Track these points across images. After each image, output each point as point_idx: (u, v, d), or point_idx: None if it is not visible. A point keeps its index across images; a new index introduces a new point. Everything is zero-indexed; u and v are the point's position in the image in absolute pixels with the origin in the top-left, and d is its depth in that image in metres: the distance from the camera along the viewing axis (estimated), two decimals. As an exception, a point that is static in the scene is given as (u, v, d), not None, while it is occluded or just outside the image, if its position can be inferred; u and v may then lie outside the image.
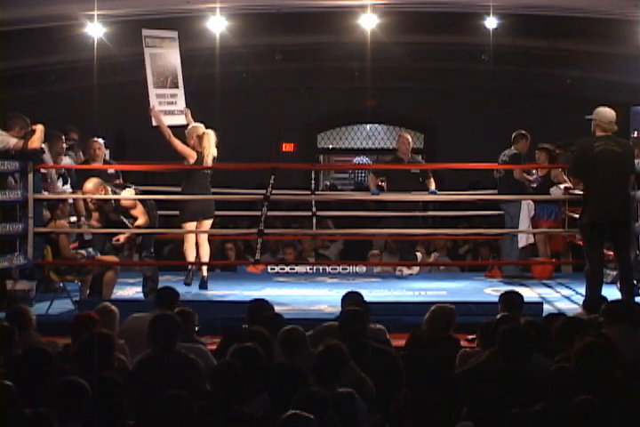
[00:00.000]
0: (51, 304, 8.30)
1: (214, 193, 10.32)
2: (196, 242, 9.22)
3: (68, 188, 9.89)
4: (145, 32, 9.30)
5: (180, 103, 9.59)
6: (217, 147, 9.25)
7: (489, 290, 9.41)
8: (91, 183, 8.80)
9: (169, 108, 9.45)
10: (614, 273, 8.61)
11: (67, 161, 9.93)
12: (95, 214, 8.93)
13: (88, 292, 8.76)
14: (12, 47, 11.08)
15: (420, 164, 10.85)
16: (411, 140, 10.63)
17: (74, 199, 9.44)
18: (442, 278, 10.45)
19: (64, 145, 9.69)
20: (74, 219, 9.70)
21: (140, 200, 8.91)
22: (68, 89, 14.05)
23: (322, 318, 6.58)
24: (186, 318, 6.03)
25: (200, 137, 9.15)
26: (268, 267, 10.78)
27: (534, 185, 10.15)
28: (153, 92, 9.25)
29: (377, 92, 15.39)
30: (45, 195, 9.13)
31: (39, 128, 8.68)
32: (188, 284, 9.22)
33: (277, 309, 6.59)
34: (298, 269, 10.73)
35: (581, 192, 8.71)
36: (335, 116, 17.74)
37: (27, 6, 9.67)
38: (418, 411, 5.87)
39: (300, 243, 11.76)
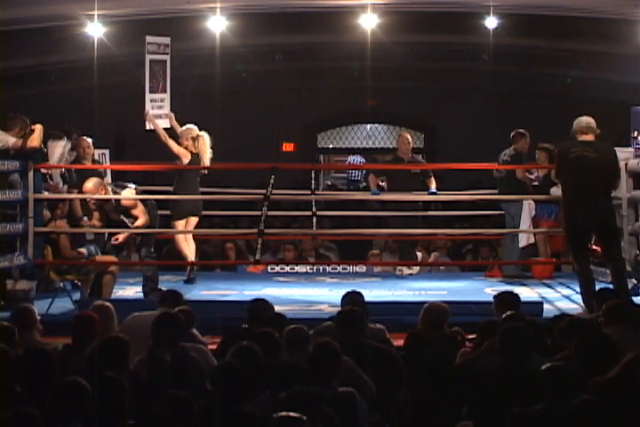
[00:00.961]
0: (51, 304, 8.30)
1: (214, 193, 10.36)
2: None
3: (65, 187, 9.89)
4: (149, 39, 9.61)
5: (167, 107, 9.83)
6: (211, 148, 9.44)
7: (489, 290, 9.40)
8: (91, 183, 8.80)
9: (158, 111, 9.69)
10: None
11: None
12: (96, 214, 8.94)
13: (88, 292, 8.76)
14: (12, 47, 11.08)
15: (421, 163, 10.84)
16: (410, 139, 10.63)
17: (71, 200, 9.43)
18: (442, 278, 10.45)
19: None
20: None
21: (141, 200, 8.92)
22: (68, 89, 14.05)
23: (322, 318, 6.57)
24: (186, 318, 6.04)
25: (195, 139, 9.38)
26: (268, 267, 10.77)
27: (535, 183, 10.16)
28: (148, 97, 9.53)
29: (377, 91, 15.38)
30: (45, 195, 9.12)
31: (38, 128, 8.69)
32: (190, 281, 9.50)
33: (277, 309, 6.59)
34: (298, 268, 10.73)
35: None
36: (335, 115, 17.74)
37: (27, 6, 9.67)
38: (418, 411, 5.87)
39: (301, 243, 11.75)
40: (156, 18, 10.53)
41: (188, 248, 9.55)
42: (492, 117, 15.84)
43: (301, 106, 16.97)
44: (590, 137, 8.04)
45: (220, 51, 11.18)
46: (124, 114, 16.24)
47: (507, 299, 6.58)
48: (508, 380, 4.84)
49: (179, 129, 9.62)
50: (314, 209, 10.16)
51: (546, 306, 8.22)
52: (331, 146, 18.41)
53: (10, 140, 8.59)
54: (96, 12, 9.60)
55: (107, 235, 9.20)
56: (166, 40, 9.83)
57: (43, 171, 9.18)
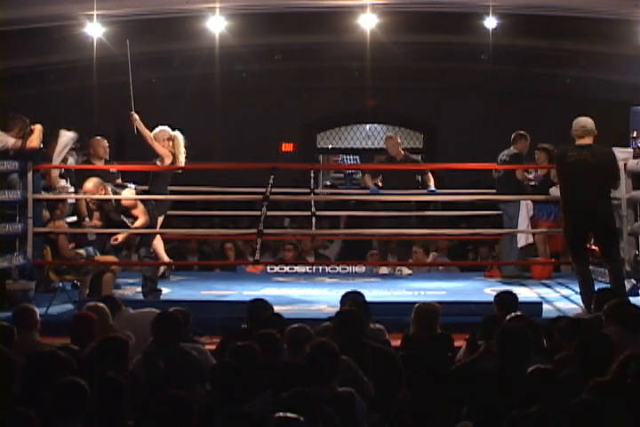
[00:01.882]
0: (50, 304, 8.29)
1: (215, 193, 10.38)
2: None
3: (71, 188, 9.88)
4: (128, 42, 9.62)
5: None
6: (186, 147, 9.52)
7: (488, 290, 9.40)
8: (91, 183, 8.80)
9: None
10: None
11: (70, 161, 9.92)
12: (96, 214, 8.94)
13: (87, 292, 8.76)
14: (12, 47, 11.07)
15: (416, 161, 10.82)
16: (398, 139, 10.66)
17: (76, 200, 9.43)
18: (441, 278, 10.45)
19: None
20: (71, 219, 9.70)
21: (141, 200, 8.92)
22: (68, 89, 14.05)
23: (321, 318, 6.57)
24: (183, 319, 6.04)
25: (170, 140, 9.40)
26: (268, 267, 10.77)
27: (533, 183, 10.15)
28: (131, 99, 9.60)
29: (377, 92, 15.39)
30: (45, 195, 9.12)
31: (38, 128, 8.69)
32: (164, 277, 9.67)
33: (277, 309, 6.60)
34: (297, 269, 10.72)
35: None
36: (335, 116, 17.74)
37: (27, 6, 9.67)
38: (417, 411, 5.87)
39: (300, 243, 11.75)
40: (156, 18, 10.53)
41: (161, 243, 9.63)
42: (491, 117, 15.84)
43: (301, 106, 16.97)
44: (587, 140, 8.05)
45: (220, 51, 11.18)
46: (123, 114, 16.27)
47: (507, 299, 6.59)
48: (507, 380, 4.84)
49: (144, 130, 9.56)
50: (313, 209, 10.17)
51: (545, 306, 8.23)
52: (330, 146, 18.41)
53: (9, 140, 8.59)
54: (95, 12, 9.61)
55: (107, 235, 9.20)
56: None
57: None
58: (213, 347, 6.25)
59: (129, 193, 8.85)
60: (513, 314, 5.86)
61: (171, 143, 9.43)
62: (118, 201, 8.79)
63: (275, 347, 5.29)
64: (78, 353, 5.26)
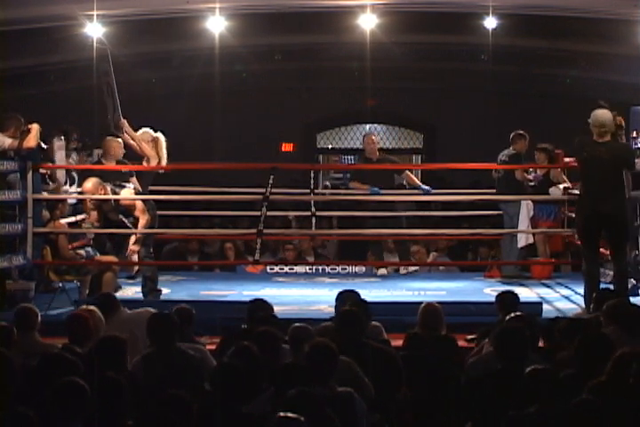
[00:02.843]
0: (50, 304, 8.30)
1: (215, 193, 10.38)
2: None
3: (71, 188, 9.88)
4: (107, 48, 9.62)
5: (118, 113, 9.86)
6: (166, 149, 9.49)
7: (488, 290, 9.40)
8: (90, 183, 8.80)
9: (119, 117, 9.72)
10: (612, 273, 8.62)
11: (70, 162, 9.92)
12: (94, 214, 8.93)
13: (87, 292, 8.76)
14: (12, 47, 11.08)
15: (394, 162, 10.82)
16: (375, 139, 10.71)
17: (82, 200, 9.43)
18: (441, 278, 10.45)
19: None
20: (72, 219, 9.70)
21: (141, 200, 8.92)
22: (68, 89, 14.06)
23: (321, 318, 6.58)
24: (185, 318, 6.04)
25: (154, 141, 9.38)
26: (268, 267, 10.77)
27: (532, 183, 10.15)
28: (117, 101, 9.62)
29: (377, 92, 15.40)
30: (44, 195, 9.12)
31: (35, 127, 8.67)
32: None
33: (277, 309, 6.60)
34: (297, 269, 10.72)
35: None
36: (335, 116, 17.74)
37: (27, 6, 9.68)
38: (417, 411, 5.87)
39: (299, 243, 11.76)
40: (156, 18, 10.54)
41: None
42: (491, 118, 15.84)
43: (301, 106, 16.97)
44: (604, 138, 7.95)
45: (220, 51, 11.19)
46: (123, 114, 16.28)
47: (508, 299, 6.60)
48: (506, 380, 4.83)
49: (133, 133, 9.58)
50: (313, 209, 10.17)
51: (545, 306, 8.23)
52: (330, 146, 18.41)
53: (6, 141, 8.58)
54: (95, 13, 9.61)
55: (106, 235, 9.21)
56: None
57: (42, 171, 9.18)
58: (213, 347, 6.25)
59: (128, 193, 8.85)
60: (512, 314, 5.85)
61: (154, 145, 9.41)
62: (117, 201, 8.79)
63: (273, 346, 5.29)
64: (76, 353, 5.25)
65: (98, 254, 9.00)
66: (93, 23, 10.01)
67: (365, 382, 5.21)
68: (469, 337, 6.91)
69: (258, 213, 9.23)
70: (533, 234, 10.17)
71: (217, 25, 10.22)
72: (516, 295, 6.68)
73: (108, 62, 9.40)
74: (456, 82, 16.01)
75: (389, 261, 11.11)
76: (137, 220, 8.78)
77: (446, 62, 14.66)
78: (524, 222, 10.07)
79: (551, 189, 10.06)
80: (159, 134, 9.49)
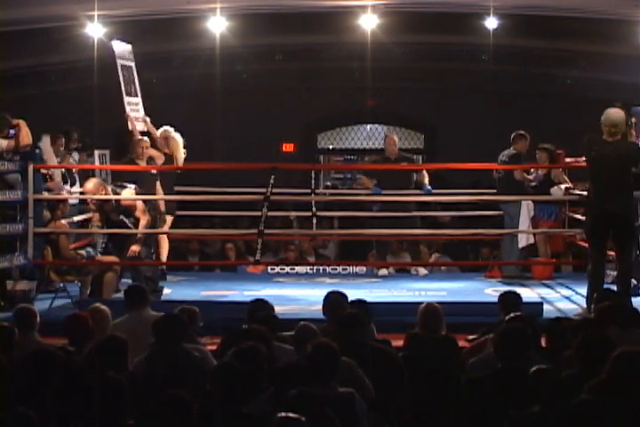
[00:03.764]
0: (51, 304, 8.30)
1: (215, 193, 10.38)
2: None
3: (71, 188, 9.88)
4: (115, 44, 9.76)
5: (141, 111, 10.04)
6: (185, 148, 9.67)
7: (489, 290, 9.40)
8: (91, 183, 8.81)
9: (135, 114, 9.91)
10: (615, 273, 8.62)
11: (71, 162, 9.93)
12: (96, 215, 8.94)
13: (88, 292, 8.76)
14: (13, 47, 11.10)
15: (411, 161, 10.78)
16: (397, 140, 10.67)
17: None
18: (442, 278, 10.44)
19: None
20: (74, 219, 9.71)
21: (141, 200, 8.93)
22: (68, 89, 14.06)
23: (322, 319, 6.57)
24: (190, 318, 6.04)
25: (166, 139, 9.56)
26: (268, 267, 10.77)
27: (534, 184, 10.14)
28: (125, 99, 9.74)
29: (377, 92, 15.40)
30: (45, 195, 9.12)
31: (22, 123, 8.66)
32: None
33: (277, 309, 6.59)
34: (298, 269, 10.72)
35: (582, 192, 8.76)
36: (335, 116, 17.74)
37: (27, 6, 9.69)
38: (417, 411, 5.87)
39: (300, 243, 11.76)
40: (157, 18, 10.55)
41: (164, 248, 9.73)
42: (491, 118, 15.85)
43: (301, 106, 16.97)
44: (614, 137, 7.86)
45: (221, 51, 11.21)
46: (123, 114, 16.28)
47: (511, 299, 6.60)
48: (507, 380, 4.83)
49: (155, 132, 9.75)
50: (314, 209, 10.17)
51: (546, 306, 8.22)
52: (331, 146, 18.42)
53: (2, 142, 8.58)
54: (96, 13, 9.62)
55: (107, 235, 9.21)
56: (129, 47, 9.99)
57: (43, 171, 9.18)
58: (214, 347, 6.25)
59: (129, 193, 8.85)
60: (512, 314, 5.85)
61: (168, 144, 9.47)
62: (118, 201, 8.80)
63: (265, 345, 5.27)
64: (74, 353, 5.26)
65: (99, 255, 9.00)
66: (94, 23, 10.02)
67: (366, 383, 5.21)
68: (470, 337, 6.91)
69: (258, 214, 9.23)
70: (534, 234, 10.17)
71: (218, 25, 10.23)
72: (518, 295, 6.68)
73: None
74: (456, 82, 16.02)
75: (389, 261, 11.12)
76: (138, 220, 8.79)
77: (447, 62, 14.67)
78: (524, 223, 10.07)
79: (552, 190, 10.06)
80: (174, 134, 9.56)
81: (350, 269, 10.65)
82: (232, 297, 9.00)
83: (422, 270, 10.61)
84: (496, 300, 6.79)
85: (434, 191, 10.42)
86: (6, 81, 11.57)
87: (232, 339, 5.72)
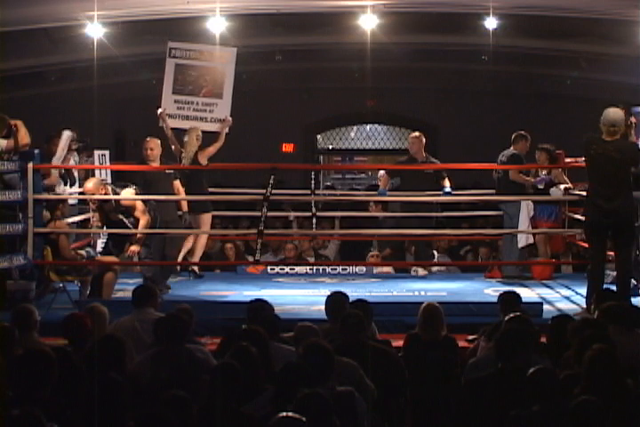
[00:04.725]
0: (51, 305, 8.30)
1: (215, 193, 10.38)
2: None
3: (70, 189, 9.87)
4: (171, 44, 10.01)
5: (218, 112, 10.19)
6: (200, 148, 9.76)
7: (489, 290, 9.40)
8: (91, 183, 8.81)
9: (194, 113, 10.06)
10: (614, 273, 8.61)
11: (71, 162, 9.92)
12: (95, 215, 8.94)
13: (88, 292, 8.76)
14: (13, 47, 11.09)
15: (435, 164, 10.74)
16: (423, 139, 10.61)
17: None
18: (442, 279, 10.43)
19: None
20: (75, 219, 9.71)
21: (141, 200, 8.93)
22: (68, 89, 14.06)
23: (321, 319, 6.57)
24: (189, 318, 6.04)
25: (189, 137, 9.76)
26: (268, 267, 10.77)
27: (541, 186, 10.11)
28: (171, 97, 9.95)
29: (377, 92, 15.41)
30: (45, 195, 9.12)
31: (19, 123, 8.66)
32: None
33: (277, 309, 6.59)
34: (298, 269, 10.71)
35: (581, 193, 8.74)
36: (335, 116, 17.74)
37: (27, 6, 9.68)
38: (418, 411, 5.87)
39: (300, 243, 11.76)
40: (157, 18, 10.54)
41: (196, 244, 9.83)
42: (491, 118, 15.86)
43: (301, 106, 16.98)
44: (614, 137, 7.85)
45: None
46: (123, 114, 16.29)
47: (511, 299, 6.60)
48: (506, 380, 4.83)
49: (222, 135, 10.06)
50: (314, 210, 10.17)
51: (545, 307, 8.22)
52: (331, 146, 18.42)
53: (1, 142, 8.57)
54: (96, 13, 9.61)
55: (107, 236, 9.21)
56: (227, 49, 10.18)
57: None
58: (214, 347, 6.25)
59: (129, 193, 8.85)
60: (512, 314, 5.85)
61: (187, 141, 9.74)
62: (118, 201, 8.80)
63: (261, 345, 5.26)
64: (71, 353, 5.25)
65: (99, 255, 8.99)
66: (94, 24, 10.01)
67: (368, 385, 5.21)
68: (470, 337, 6.91)
69: (258, 214, 9.24)
70: (534, 234, 10.16)
71: (218, 25, 10.22)
72: (518, 296, 6.69)
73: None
74: (456, 82, 16.02)
75: (389, 261, 11.13)
76: (137, 220, 8.79)
77: (447, 62, 14.67)
78: (524, 223, 10.07)
79: (552, 190, 10.05)
80: (187, 134, 9.71)
81: (350, 269, 10.65)
82: (232, 297, 9.00)
83: (421, 271, 10.60)
84: (496, 300, 6.80)
85: (432, 192, 10.39)
86: (6, 81, 11.56)
87: (232, 339, 5.72)
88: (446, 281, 10.19)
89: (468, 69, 14.91)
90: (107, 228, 8.99)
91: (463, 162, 10.35)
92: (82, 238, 9.94)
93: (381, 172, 11.06)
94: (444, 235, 11.16)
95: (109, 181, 9.91)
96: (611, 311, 5.94)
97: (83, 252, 8.97)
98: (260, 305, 6.41)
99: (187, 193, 9.48)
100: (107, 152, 10.95)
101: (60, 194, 9.48)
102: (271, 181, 9.09)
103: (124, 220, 8.80)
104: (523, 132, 10.34)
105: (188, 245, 9.79)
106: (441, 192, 10.16)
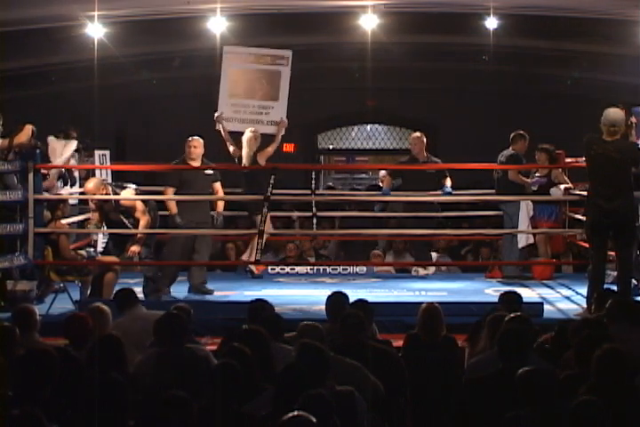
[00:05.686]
0: (51, 305, 8.30)
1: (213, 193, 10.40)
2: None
3: (71, 189, 9.87)
4: (226, 48, 10.10)
5: (274, 115, 10.29)
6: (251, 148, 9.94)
7: (489, 290, 9.41)
8: (91, 183, 8.81)
9: (250, 116, 10.20)
10: (615, 273, 8.62)
11: (72, 162, 9.93)
12: (96, 214, 8.94)
13: (89, 292, 8.76)
14: (13, 47, 11.09)
15: (437, 164, 10.74)
16: (424, 139, 10.62)
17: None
18: (442, 279, 10.44)
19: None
20: (75, 219, 9.71)
21: (142, 200, 8.93)
22: (69, 89, 14.06)
23: (322, 319, 6.57)
24: (187, 317, 6.04)
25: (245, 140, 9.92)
26: (269, 267, 10.78)
27: (534, 188, 10.12)
28: (227, 101, 10.04)
29: (377, 92, 15.38)
30: (45, 195, 9.12)
31: (27, 127, 8.67)
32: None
33: (277, 309, 6.60)
34: (298, 269, 10.72)
35: (581, 193, 8.73)
36: (335, 116, 17.73)
37: (27, 7, 9.68)
38: (418, 411, 5.87)
39: (301, 243, 11.76)
40: (157, 18, 10.54)
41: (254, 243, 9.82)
42: (491, 117, 15.84)
43: (301, 106, 16.92)
44: (614, 137, 7.85)
45: (221, 51, 11.18)
46: (124, 114, 16.28)
47: (512, 299, 6.60)
48: (506, 381, 4.83)
49: (279, 137, 10.22)
50: (314, 210, 10.18)
51: (546, 307, 8.22)
52: (331, 146, 18.41)
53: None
54: (96, 13, 9.61)
55: (107, 236, 9.21)
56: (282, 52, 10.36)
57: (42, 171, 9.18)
58: (214, 347, 6.25)
59: (129, 193, 8.86)
60: (512, 315, 5.85)
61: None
62: (118, 201, 8.80)
63: (261, 345, 5.26)
64: (71, 353, 5.25)
65: (98, 255, 8.99)
66: (94, 24, 10.01)
67: (374, 383, 5.20)
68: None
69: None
70: (534, 234, 10.16)
71: (218, 25, 10.23)
72: (519, 295, 6.69)
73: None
74: (456, 82, 16.00)
75: (389, 261, 11.13)
76: (137, 221, 8.79)
77: (447, 62, 14.66)
78: (523, 222, 10.07)
79: (552, 190, 10.06)
80: (245, 135, 9.86)
81: (350, 269, 10.66)
82: (232, 297, 9.01)
83: (422, 270, 10.60)
84: (496, 300, 6.80)
85: (432, 192, 10.39)
86: (6, 81, 11.56)
87: (232, 339, 5.72)
88: (447, 281, 10.20)
89: (468, 69, 14.90)
90: (107, 228, 9.00)
91: (463, 162, 10.35)
92: (82, 238, 9.95)
93: (382, 172, 11.07)
94: (444, 235, 11.16)
95: (110, 180, 9.91)
96: (615, 308, 5.93)
97: (83, 252, 8.98)
98: (261, 305, 6.41)
99: (246, 194, 9.58)
100: (107, 152, 10.96)
101: (60, 194, 9.48)
102: (271, 181, 9.10)
103: (125, 220, 8.80)
104: (521, 131, 10.34)
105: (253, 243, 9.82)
106: (441, 192, 10.17)
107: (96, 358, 4.91)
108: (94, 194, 8.76)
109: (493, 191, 10.36)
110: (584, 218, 8.44)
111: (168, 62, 13.89)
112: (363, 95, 15.80)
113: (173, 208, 9.21)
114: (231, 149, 9.96)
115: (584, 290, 8.24)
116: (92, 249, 9.10)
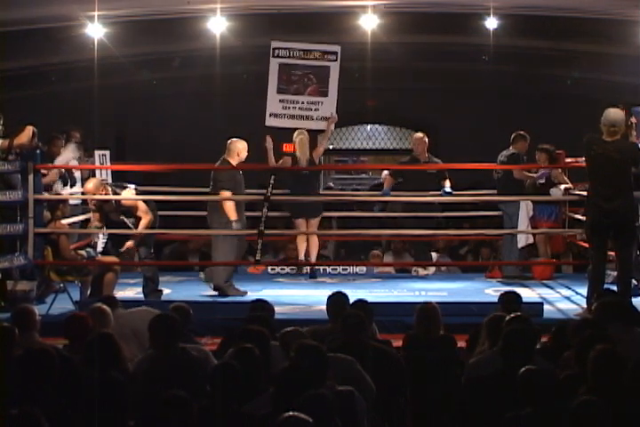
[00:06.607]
0: (51, 305, 8.30)
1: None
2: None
3: (71, 189, 9.87)
4: (274, 44, 10.15)
5: (324, 110, 10.34)
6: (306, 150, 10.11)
7: (489, 290, 9.41)
8: (91, 183, 8.82)
9: (300, 113, 10.22)
10: (615, 273, 8.62)
11: (72, 162, 9.93)
12: (96, 215, 8.95)
13: (89, 292, 8.76)
14: (13, 48, 11.08)
15: (437, 164, 10.74)
16: (426, 139, 10.63)
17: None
18: (442, 279, 10.44)
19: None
20: (75, 219, 9.71)
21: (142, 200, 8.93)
22: (69, 89, 14.06)
23: (322, 319, 6.57)
24: (182, 316, 6.02)
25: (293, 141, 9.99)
26: (269, 267, 10.78)
27: (542, 181, 10.13)
28: (275, 97, 10.14)
29: (377, 92, 15.38)
30: (45, 195, 9.12)
31: (28, 128, 8.68)
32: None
33: (277, 309, 6.60)
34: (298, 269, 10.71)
35: (581, 193, 8.72)
36: (335, 116, 17.71)
37: (27, 7, 9.68)
38: (418, 411, 5.87)
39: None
40: (157, 18, 10.55)
41: (309, 245, 9.96)
42: (492, 118, 15.84)
43: (302, 106, 16.92)
44: (614, 137, 7.85)
45: (221, 51, 11.19)
46: (124, 114, 16.29)
47: (512, 299, 6.60)
48: (507, 381, 4.83)
49: (328, 133, 10.22)
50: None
51: (546, 307, 8.22)
52: (331, 146, 18.41)
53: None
54: (96, 13, 9.61)
55: (107, 236, 9.21)
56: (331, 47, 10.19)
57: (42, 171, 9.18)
58: (214, 347, 6.25)
59: (129, 193, 8.86)
60: (512, 315, 5.85)
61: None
62: (118, 202, 8.80)
63: (262, 345, 5.26)
64: (74, 353, 5.25)
65: (98, 255, 8.99)
66: (94, 24, 10.01)
67: (367, 381, 5.21)
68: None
69: (258, 214, 9.24)
70: (534, 234, 10.17)
71: (218, 25, 10.23)
72: (518, 296, 6.69)
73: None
74: (456, 82, 16.00)
75: (389, 261, 11.13)
76: (138, 220, 8.79)
77: (447, 62, 14.65)
78: (523, 222, 10.07)
79: (552, 190, 10.06)
80: (300, 136, 9.96)
81: (351, 269, 10.66)
82: (232, 297, 9.00)
83: (422, 271, 10.60)
84: (496, 300, 6.80)
85: (433, 192, 10.39)
86: (6, 81, 11.56)
87: (232, 339, 5.72)
88: (447, 281, 10.20)
89: (469, 69, 14.89)
90: (107, 228, 9.00)
91: (463, 162, 10.35)
92: (83, 239, 9.95)
93: (385, 172, 11.08)
94: (444, 235, 11.16)
95: (110, 181, 9.92)
96: (609, 308, 5.94)
97: (83, 252, 8.98)
98: (261, 305, 6.41)
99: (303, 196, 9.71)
100: (107, 152, 10.95)
101: (60, 194, 9.48)
102: (271, 182, 9.11)
103: (125, 220, 8.81)
104: (522, 132, 10.35)
105: (303, 246, 9.89)
106: (441, 192, 10.18)
107: (91, 357, 4.91)
108: (94, 194, 8.76)
109: (493, 191, 10.36)
110: (584, 218, 8.45)
111: (168, 62, 13.88)
112: (363, 95, 15.79)
113: (233, 214, 8.97)
114: (272, 160, 9.85)
115: (584, 290, 8.25)
116: (91, 249, 9.10)
